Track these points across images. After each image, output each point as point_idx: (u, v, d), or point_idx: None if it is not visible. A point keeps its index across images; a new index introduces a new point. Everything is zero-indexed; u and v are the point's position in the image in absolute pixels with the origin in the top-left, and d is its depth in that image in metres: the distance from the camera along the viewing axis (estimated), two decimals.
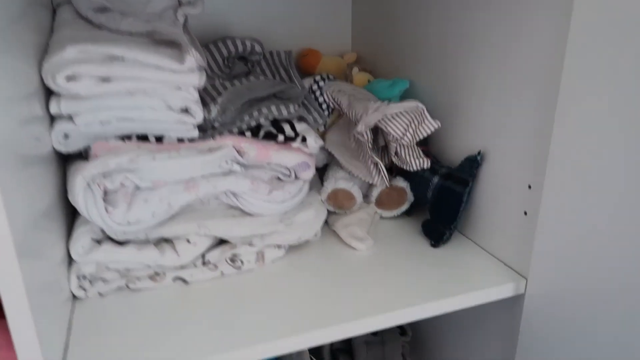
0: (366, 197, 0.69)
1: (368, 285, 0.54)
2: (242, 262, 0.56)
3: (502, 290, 0.55)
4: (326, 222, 0.67)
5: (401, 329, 0.80)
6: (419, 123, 0.61)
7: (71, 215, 0.54)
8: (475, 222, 0.62)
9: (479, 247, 0.62)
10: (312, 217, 0.61)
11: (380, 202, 0.68)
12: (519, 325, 0.56)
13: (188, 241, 0.53)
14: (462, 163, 0.62)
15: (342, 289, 0.54)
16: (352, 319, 0.49)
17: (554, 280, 0.51)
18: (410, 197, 0.68)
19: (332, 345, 0.78)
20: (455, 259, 0.60)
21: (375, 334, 0.75)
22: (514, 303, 0.56)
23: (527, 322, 0.55)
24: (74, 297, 0.52)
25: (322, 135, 0.70)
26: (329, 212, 0.67)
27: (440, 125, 0.61)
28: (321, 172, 0.71)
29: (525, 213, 0.54)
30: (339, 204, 0.67)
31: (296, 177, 0.59)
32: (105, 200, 0.49)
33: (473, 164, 0.60)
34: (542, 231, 0.51)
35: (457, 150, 0.64)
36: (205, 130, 0.54)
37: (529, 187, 0.53)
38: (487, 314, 0.62)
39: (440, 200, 0.63)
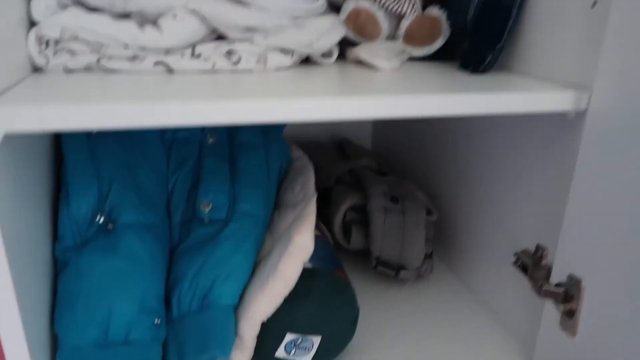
0: (393, 38, 0.59)
1: None
2: (239, 58, 0.46)
3: (560, 101, 0.44)
4: (343, 55, 0.57)
5: (427, 208, 0.70)
6: None
7: None
8: (526, 46, 0.52)
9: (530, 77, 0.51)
10: (327, 27, 0.51)
11: (410, 36, 0.58)
12: (577, 153, 0.45)
13: (174, 16, 0.43)
14: None
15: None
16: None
17: (622, 96, 0.40)
18: (445, 28, 0.57)
19: (344, 215, 0.69)
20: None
21: (395, 200, 0.65)
22: (572, 123, 0.46)
23: (588, 148, 0.44)
24: (35, 69, 0.43)
25: None
26: (348, 44, 0.57)
27: None
28: None
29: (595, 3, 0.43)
30: (360, 28, 0.56)
31: None
32: None
33: None
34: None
35: None
36: None
37: None
38: (538, 141, 0.51)
39: (483, 17, 0.52)
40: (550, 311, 0.49)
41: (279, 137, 0.61)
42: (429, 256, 0.67)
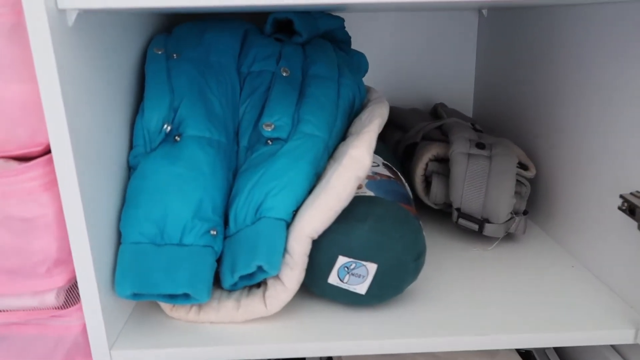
0: None
1: None
2: None
3: None
4: None
5: (521, 162, 0.63)
6: None
7: None
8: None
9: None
10: None
11: None
12: None
13: None
14: None
15: None
16: None
17: None
18: None
19: (426, 167, 0.64)
20: None
21: (482, 146, 0.59)
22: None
23: None
24: None
25: None
26: None
27: None
28: None
29: None
30: None
31: None
32: None
33: None
34: None
35: None
36: None
37: None
38: None
39: None
40: None
41: (356, 75, 0.59)
42: (520, 213, 0.59)
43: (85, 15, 0.40)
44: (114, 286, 0.44)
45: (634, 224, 0.46)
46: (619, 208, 0.45)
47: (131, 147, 0.49)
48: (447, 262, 0.57)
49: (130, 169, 0.49)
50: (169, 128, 0.48)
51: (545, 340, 0.44)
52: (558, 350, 0.57)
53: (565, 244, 0.59)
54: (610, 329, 0.44)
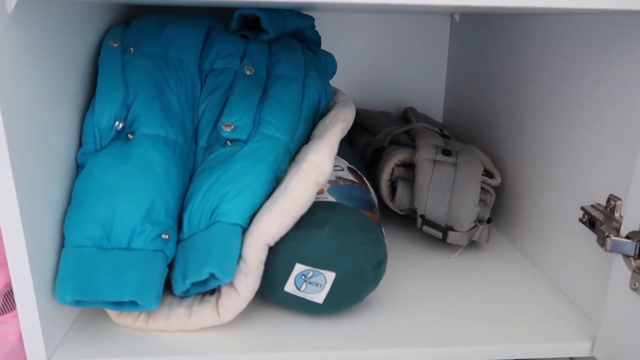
0: None
1: None
2: None
3: None
4: None
5: (486, 170, 0.62)
6: None
7: None
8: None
9: None
10: None
11: None
12: None
13: None
14: None
15: None
16: None
17: None
18: None
19: (392, 172, 0.63)
20: None
21: (448, 153, 0.58)
22: None
23: None
24: None
25: None
26: None
27: None
28: None
29: None
30: None
31: None
32: None
33: None
34: None
35: None
36: None
37: None
38: None
39: None
40: (619, 271, 0.39)
41: (323, 76, 0.58)
42: (484, 221, 0.59)
43: (28, 2, 0.38)
44: (54, 292, 0.42)
45: (594, 236, 0.46)
46: (580, 220, 0.45)
47: (81, 144, 0.47)
48: (409, 270, 0.56)
49: (78, 167, 0.46)
50: (120, 125, 0.46)
51: (502, 353, 0.44)
52: None
53: (528, 253, 0.59)
54: (567, 342, 0.44)
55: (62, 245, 0.43)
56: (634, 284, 0.37)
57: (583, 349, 0.44)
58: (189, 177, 0.49)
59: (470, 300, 0.50)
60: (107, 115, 0.46)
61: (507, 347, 0.43)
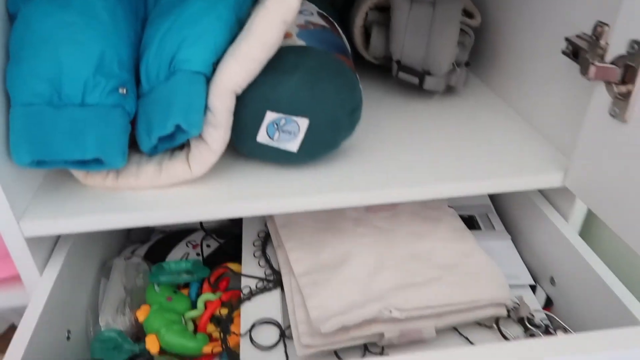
0: None
1: None
2: None
3: None
4: None
5: (466, 9, 0.58)
6: None
7: None
8: None
9: None
10: None
11: None
12: None
13: None
14: None
15: None
16: None
17: None
18: None
19: (366, 16, 0.58)
20: None
21: None
22: None
23: None
24: None
25: None
26: None
27: None
28: None
29: None
30: None
31: None
32: None
33: None
34: None
35: None
36: None
37: None
38: None
39: None
40: (600, 99, 0.38)
41: None
42: (463, 64, 0.56)
43: None
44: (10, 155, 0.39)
45: (572, 71, 0.44)
46: (563, 52, 0.43)
47: None
48: (385, 118, 0.54)
49: (11, 17, 0.40)
50: None
51: (475, 188, 0.44)
52: (493, 199, 0.59)
53: (506, 96, 0.57)
54: (539, 175, 0.45)
55: (8, 104, 0.39)
56: (614, 110, 0.36)
57: (555, 180, 0.45)
58: (140, 26, 0.44)
59: (446, 142, 0.50)
60: None
61: (480, 183, 0.44)
